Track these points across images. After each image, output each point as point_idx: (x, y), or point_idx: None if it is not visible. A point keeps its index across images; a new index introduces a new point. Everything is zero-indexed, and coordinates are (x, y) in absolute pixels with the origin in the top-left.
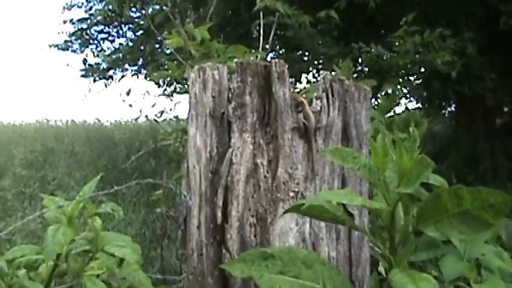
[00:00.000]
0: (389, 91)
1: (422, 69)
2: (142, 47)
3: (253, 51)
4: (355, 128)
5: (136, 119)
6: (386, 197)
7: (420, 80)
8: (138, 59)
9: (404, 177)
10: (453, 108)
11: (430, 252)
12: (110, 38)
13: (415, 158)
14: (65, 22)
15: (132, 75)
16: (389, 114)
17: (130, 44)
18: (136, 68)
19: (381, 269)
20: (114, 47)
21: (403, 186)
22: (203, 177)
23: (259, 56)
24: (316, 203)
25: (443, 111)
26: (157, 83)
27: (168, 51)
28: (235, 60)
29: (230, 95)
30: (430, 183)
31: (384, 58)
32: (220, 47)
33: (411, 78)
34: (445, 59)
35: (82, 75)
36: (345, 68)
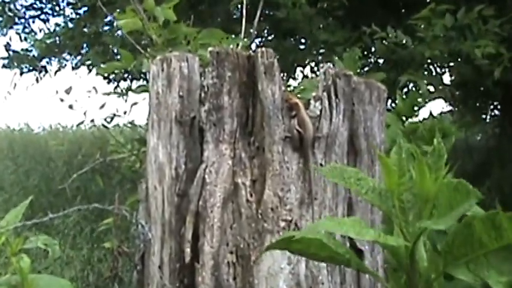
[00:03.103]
0: (410, 88)
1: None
2: (86, 30)
3: (233, 37)
4: (365, 138)
5: (78, 125)
6: (403, 230)
7: (450, 74)
8: (81, 46)
9: (427, 205)
10: (496, 112)
11: None
12: (43, 17)
13: (441, 179)
14: None
15: (73, 67)
16: (411, 120)
17: (70, 25)
18: (78, 57)
19: None
20: (48, 29)
21: (426, 217)
22: (167, 201)
23: (240, 44)
24: (312, 235)
25: (483, 116)
26: (106, 78)
27: (120, 34)
28: (210, 48)
29: (203, 95)
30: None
31: (405, 46)
32: (190, 31)
33: (439, 70)
34: (487, 51)
35: (4, 66)
36: (349, 59)
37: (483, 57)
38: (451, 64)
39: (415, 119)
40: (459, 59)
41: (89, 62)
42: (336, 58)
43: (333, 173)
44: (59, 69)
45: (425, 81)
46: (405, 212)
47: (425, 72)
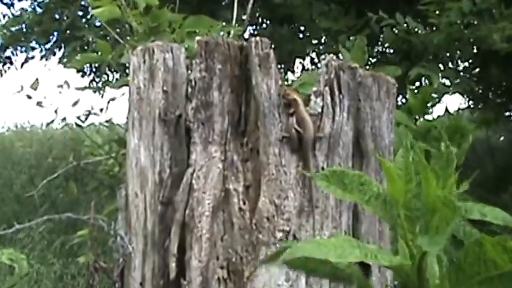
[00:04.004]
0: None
1: (475, 50)
2: (57, 16)
3: (223, 24)
4: (372, 138)
5: (48, 124)
6: (409, 244)
7: (468, 65)
8: (51, 34)
9: (434, 217)
10: None
11: None
12: (7, 1)
13: (447, 191)
14: None
15: (42, 58)
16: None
17: (39, 10)
18: (48, 47)
19: None
20: (13, 14)
21: (432, 232)
22: (149, 210)
23: (232, 32)
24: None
25: (507, 113)
26: (81, 71)
27: (97, 23)
28: (198, 38)
29: (190, 90)
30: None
31: (416, 35)
32: (174, 17)
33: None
34: (506, 34)
35: None
36: (356, 49)
37: (501, 41)
38: (471, 53)
39: (428, 117)
40: (478, 48)
41: (60, 53)
42: (342, 48)
43: (329, 179)
44: (26, 61)
45: (439, 75)
46: (412, 222)
47: (440, 64)
